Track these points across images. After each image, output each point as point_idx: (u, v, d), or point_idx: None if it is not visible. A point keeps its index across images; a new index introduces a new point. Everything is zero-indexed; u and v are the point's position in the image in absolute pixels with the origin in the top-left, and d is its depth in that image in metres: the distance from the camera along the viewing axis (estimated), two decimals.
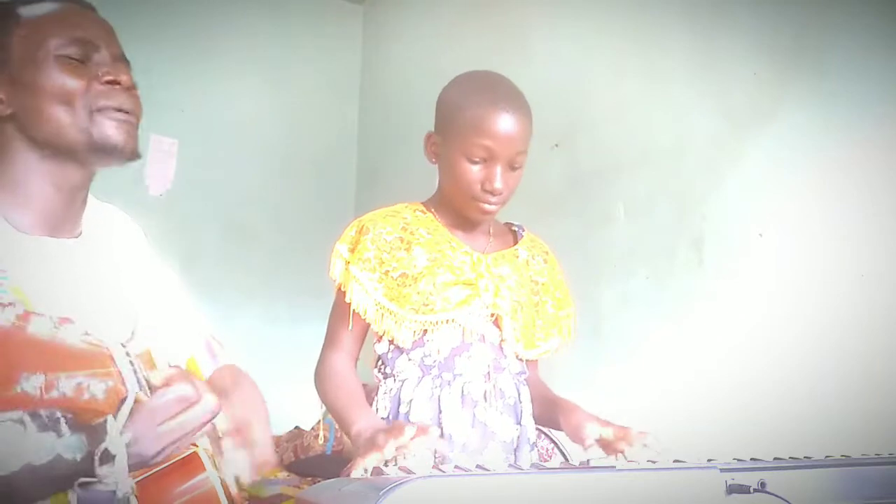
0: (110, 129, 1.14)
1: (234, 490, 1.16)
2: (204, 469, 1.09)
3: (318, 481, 0.90)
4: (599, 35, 2.82)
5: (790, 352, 2.14)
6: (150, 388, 0.99)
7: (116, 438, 0.92)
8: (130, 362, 0.96)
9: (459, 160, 1.46)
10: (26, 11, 1.16)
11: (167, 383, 0.99)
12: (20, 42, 1.14)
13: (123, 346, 0.97)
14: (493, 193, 1.45)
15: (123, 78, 1.16)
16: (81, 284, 1.17)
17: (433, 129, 1.54)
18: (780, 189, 2.24)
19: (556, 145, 2.89)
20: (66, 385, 0.90)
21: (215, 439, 1.32)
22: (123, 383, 0.93)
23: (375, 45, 4.08)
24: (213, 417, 1.03)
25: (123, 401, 0.94)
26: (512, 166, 1.47)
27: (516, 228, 1.66)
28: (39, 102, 1.13)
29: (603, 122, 2.78)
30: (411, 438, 1.21)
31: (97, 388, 0.92)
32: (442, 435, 1.42)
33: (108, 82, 1.15)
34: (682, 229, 2.48)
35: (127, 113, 1.16)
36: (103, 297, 1.20)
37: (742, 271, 2.31)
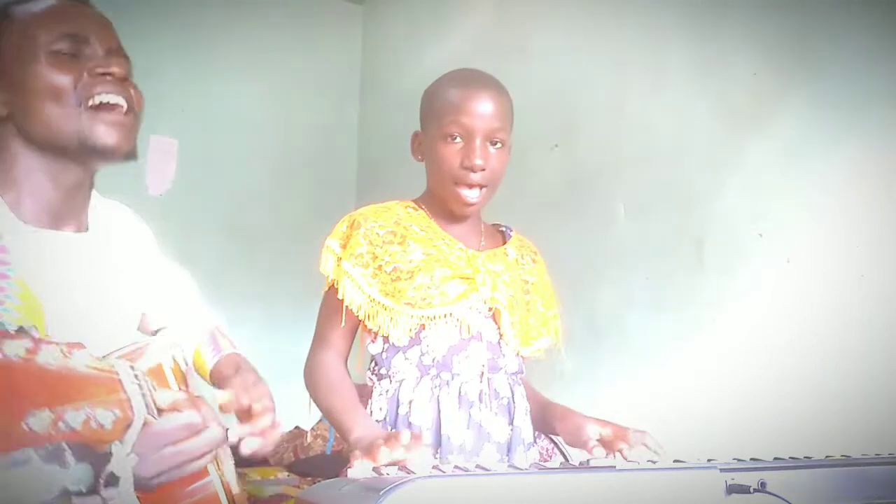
0: (102, 129, 1.13)
1: (235, 490, 1.16)
2: (207, 473, 1.08)
3: (318, 481, 0.90)
4: (599, 35, 2.82)
5: (790, 352, 2.14)
6: (156, 409, 0.98)
7: (123, 461, 0.90)
8: (139, 385, 0.94)
9: (438, 143, 1.46)
10: (20, 10, 1.16)
11: (174, 407, 0.98)
12: (12, 41, 1.14)
13: (132, 368, 0.95)
14: (472, 170, 1.44)
15: (115, 69, 1.14)
16: (86, 278, 1.18)
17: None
18: (780, 189, 2.24)
19: (556, 145, 2.89)
20: (73, 418, 0.87)
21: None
22: (131, 408, 0.92)
23: (375, 45, 4.08)
24: (219, 446, 1.01)
25: (130, 426, 0.91)
26: (491, 141, 1.45)
27: (504, 229, 1.65)
28: (31, 101, 1.12)
29: (603, 122, 2.78)
30: (407, 450, 1.18)
31: (104, 418, 0.90)
32: (440, 437, 1.42)
33: (99, 74, 1.13)
34: (682, 229, 2.48)
35: (122, 112, 1.14)
36: (107, 291, 1.21)
37: (742, 271, 2.31)
